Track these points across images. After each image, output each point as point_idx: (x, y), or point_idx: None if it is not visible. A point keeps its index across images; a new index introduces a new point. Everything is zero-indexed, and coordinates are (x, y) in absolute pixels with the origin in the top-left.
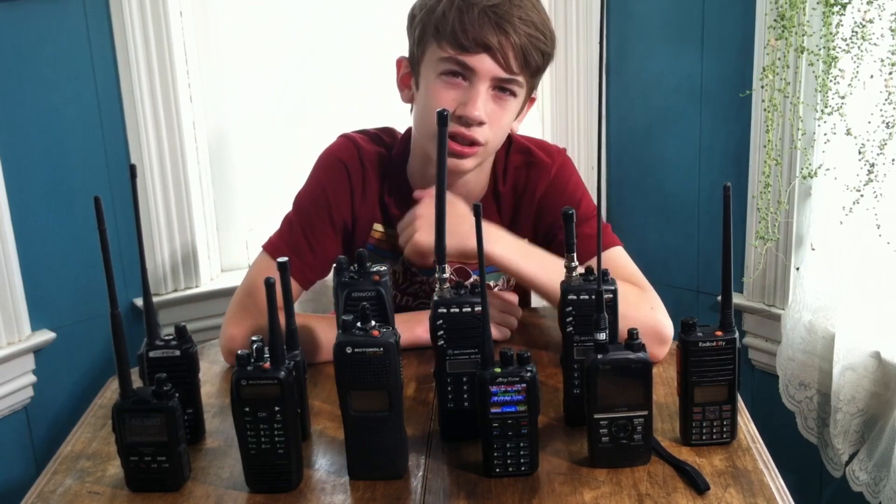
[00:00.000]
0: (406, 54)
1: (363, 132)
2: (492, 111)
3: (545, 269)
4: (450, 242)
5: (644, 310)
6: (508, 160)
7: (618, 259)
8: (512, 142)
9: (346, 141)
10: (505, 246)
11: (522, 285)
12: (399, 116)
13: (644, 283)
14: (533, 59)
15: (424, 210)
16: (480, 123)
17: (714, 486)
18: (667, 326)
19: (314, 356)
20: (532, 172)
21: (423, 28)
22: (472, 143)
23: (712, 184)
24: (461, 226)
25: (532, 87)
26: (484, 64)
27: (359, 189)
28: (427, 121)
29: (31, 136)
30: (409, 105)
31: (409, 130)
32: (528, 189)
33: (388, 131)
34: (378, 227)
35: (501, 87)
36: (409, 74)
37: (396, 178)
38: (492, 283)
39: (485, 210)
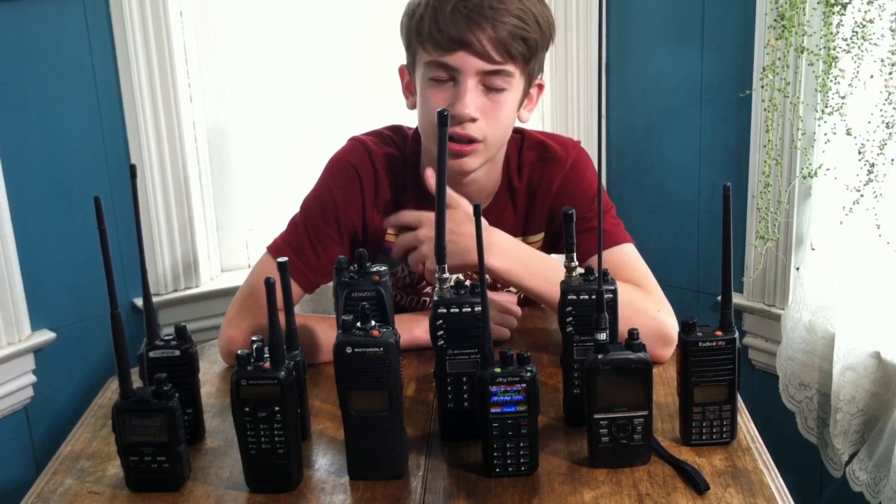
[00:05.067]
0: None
1: (373, 133)
2: (483, 105)
3: (548, 280)
4: (451, 261)
5: (650, 313)
6: (523, 156)
7: (626, 257)
8: (525, 137)
9: (356, 144)
10: (505, 259)
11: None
12: (399, 116)
13: (650, 282)
14: (515, 48)
15: (430, 232)
16: (473, 119)
17: (714, 486)
18: (672, 327)
19: (314, 356)
20: (547, 167)
21: (408, 35)
22: (470, 140)
23: (712, 184)
24: (461, 241)
25: (531, 74)
26: (464, 61)
27: (370, 193)
28: (426, 125)
29: (31, 136)
30: (414, 110)
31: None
32: (542, 184)
33: (398, 129)
34: (393, 230)
35: (490, 80)
36: (411, 81)
37: (411, 178)
38: (513, 289)
39: (500, 206)
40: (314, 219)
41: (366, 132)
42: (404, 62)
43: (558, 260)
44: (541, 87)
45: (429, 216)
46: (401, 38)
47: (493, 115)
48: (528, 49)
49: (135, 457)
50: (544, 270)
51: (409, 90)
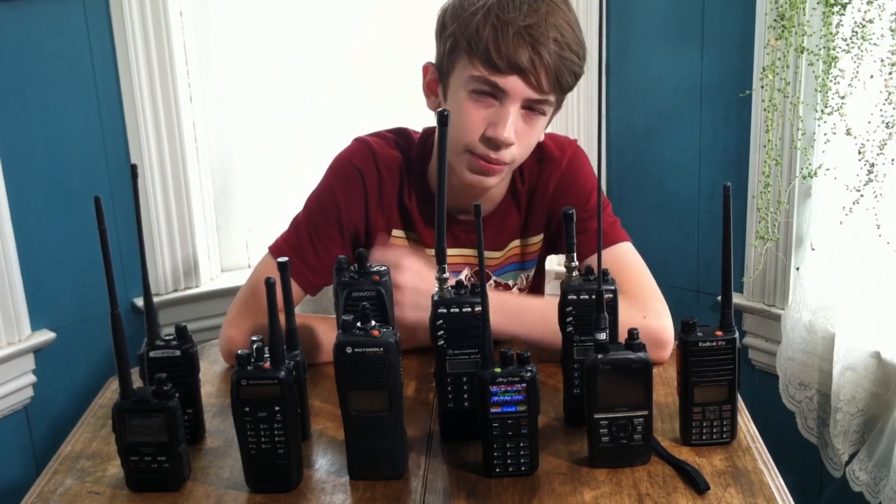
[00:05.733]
0: (433, 60)
1: (377, 135)
2: (520, 129)
3: (546, 327)
4: (415, 315)
5: (635, 322)
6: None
7: (622, 256)
8: None
9: (361, 145)
10: (499, 315)
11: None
12: (400, 116)
13: (643, 283)
14: (565, 80)
15: (403, 279)
16: (509, 145)
17: (714, 486)
18: (661, 330)
19: (314, 356)
20: (544, 168)
21: (455, 41)
22: (498, 162)
23: (712, 184)
24: (425, 302)
25: (561, 101)
26: (516, 86)
27: (374, 195)
28: (453, 135)
29: (31, 136)
30: (425, 108)
31: (425, 132)
32: (539, 184)
33: (403, 133)
34: (398, 232)
35: (532, 107)
36: (436, 81)
37: (416, 183)
38: (511, 283)
39: (504, 211)
40: (316, 219)
41: (370, 133)
42: (427, 60)
43: (550, 300)
44: (559, 107)
45: (407, 262)
46: (437, 34)
47: (526, 139)
48: (574, 81)
49: (135, 457)
50: (537, 319)
51: (431, 89)
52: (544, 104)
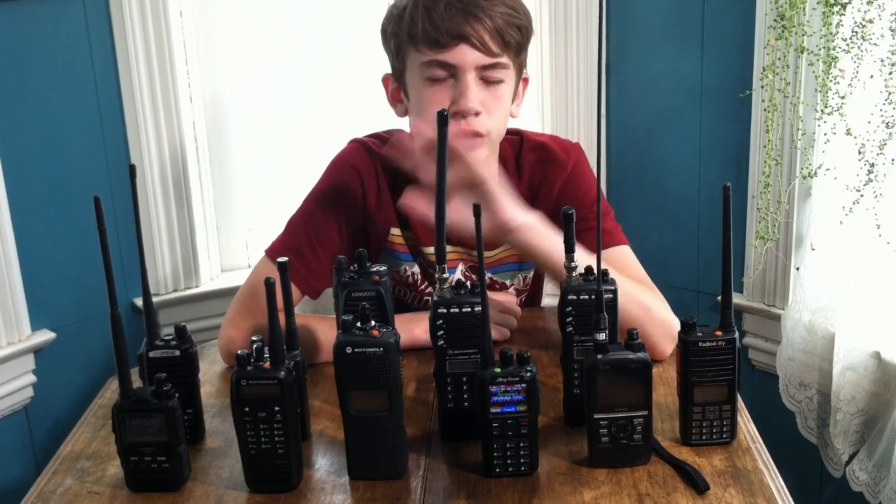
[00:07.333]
0: (389, 71)
1: (374, 136)
2: (484, 98)
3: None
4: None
5: (661, 306)
6: (522, 157)
7: (625, 257)
8: (523, 139)
9: (358, 146)
10: (551, 240)
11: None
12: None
13: (648, 283)
14: (511, 36)
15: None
16: (477, 114)
17: (714, 486)
18: (677, 324)
19: (314, 356)
20: (548, 169)
21: (398, 39)
22: (475, 134)
23: (712, 184)
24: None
25: (520, 66)
26: (464, 55)
27: (373, 194)
28: (429, 128)
29: (31, 136)
30: (405, 117)
31: None
32: (544, 185)
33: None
34: (395, 231)
35: (488, 74)
36: (398, 88)
37: (409, 181)
38: (508, 283)
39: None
40: (314, 220)
41: (366, 134)
42: (387, 71)
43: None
44: (526, 80)
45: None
46: (384, 45)
47: (494, 109)
48: (521, 37)
49: (135, 457)
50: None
51: (396, 98)
52: (498, 68)
